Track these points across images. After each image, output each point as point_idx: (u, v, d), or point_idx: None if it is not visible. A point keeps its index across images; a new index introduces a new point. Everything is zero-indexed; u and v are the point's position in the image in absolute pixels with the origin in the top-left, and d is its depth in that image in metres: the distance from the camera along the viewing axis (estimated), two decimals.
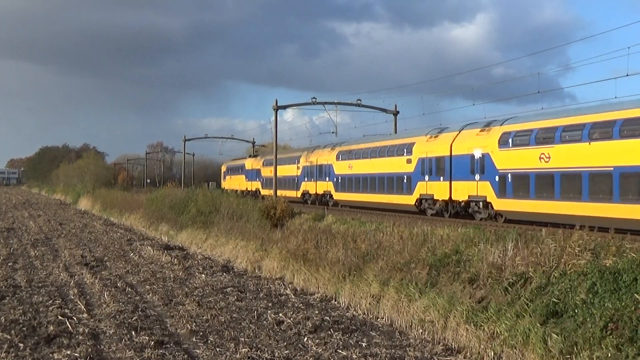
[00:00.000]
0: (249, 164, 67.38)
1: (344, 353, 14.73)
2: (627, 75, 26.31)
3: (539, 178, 24.63)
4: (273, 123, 49.75)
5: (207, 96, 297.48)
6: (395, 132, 47.67)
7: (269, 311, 19.02)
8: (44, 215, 65.01)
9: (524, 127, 26.31)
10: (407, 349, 15.24)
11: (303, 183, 50.80)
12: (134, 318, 17.97)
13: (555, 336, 12.75)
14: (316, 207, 41.20)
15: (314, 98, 48.18)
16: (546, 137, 24.63)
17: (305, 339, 16.08)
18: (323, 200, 46.82)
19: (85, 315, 18.57)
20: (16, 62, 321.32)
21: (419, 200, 33.47)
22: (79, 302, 20.36)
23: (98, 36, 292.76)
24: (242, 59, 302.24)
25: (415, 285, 17.75)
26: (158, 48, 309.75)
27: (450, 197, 30.65)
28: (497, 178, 27.15)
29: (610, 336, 11.82)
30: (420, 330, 16.43)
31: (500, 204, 26.99)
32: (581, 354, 12.02)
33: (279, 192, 50.97)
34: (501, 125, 28.04)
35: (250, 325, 17.52)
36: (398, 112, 49.80)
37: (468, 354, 14.57)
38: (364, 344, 15.58)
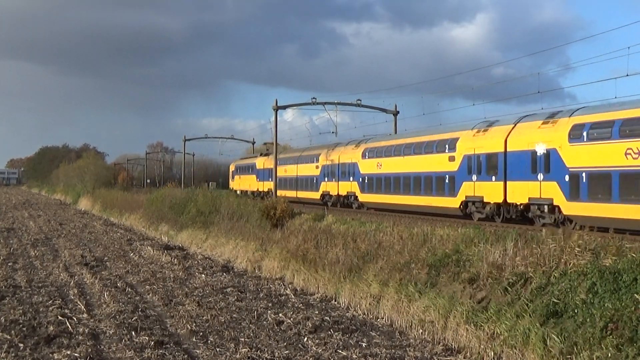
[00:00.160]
0: (261, 162, 62.57)
1: (344, 353, 14.73)
2: (627, 75, 25.84)
3: (626, 177, 21.00)
4: (273, 123, 49.78)
5: (207, 96, 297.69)
6: (395, 132, 47.15)
7: (269, 311, 19.03)
8: (44, 215, 65.03)
9: (603, 117, 22.48)
10: (407, 349, 15.25)
11: (323, 183, 47.37)
12: (134, 318, 17.97)
13: (555, 336, 12.74)
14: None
15: (314, 98, 48.13)
16: (634, 129, 20.88)
17: (305, 339, 16.09)
18: (346, 202, 43.46)
19: (85, 315, 18.58)
20: (16, 62, 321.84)
21: (464, 203, 29.73)
22: (79, 302, 20.38)
23: (98, 36, 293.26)
24: (242, 59, 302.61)
25: (415, 285, 17.75)
26: (158, 48, 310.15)
27: (505, 199, 27.02)
28: (567, 178, 23.50)
29: (610, 336, 11.81)
30: (420, 330, 16.43)
31: (572, 208, 23.24)
32: (581, 354, 12.01)
33: (298, 194, 49.86)
34: (570, 116, 24.22)
35: (250, 325, 17.52)
36: (398, 112, 49.81)
37: (468, 354, 14.57)
38: (364, 344, 15.59)
